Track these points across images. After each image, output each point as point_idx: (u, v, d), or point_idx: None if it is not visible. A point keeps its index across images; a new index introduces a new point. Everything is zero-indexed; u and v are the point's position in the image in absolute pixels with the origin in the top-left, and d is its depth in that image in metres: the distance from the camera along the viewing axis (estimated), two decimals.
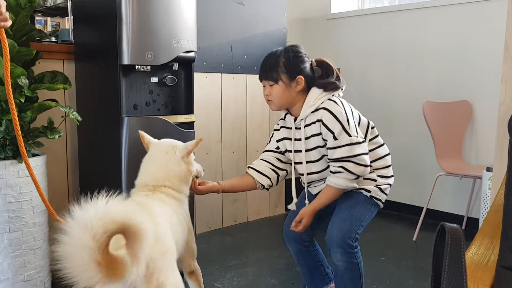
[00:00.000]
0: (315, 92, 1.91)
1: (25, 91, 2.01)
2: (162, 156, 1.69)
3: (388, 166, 2.02)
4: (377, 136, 2.02)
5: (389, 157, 2.03)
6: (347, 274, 1.89)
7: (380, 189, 1.95)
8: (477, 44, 3.32)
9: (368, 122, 1.99)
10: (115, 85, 2.24)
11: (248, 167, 2.09)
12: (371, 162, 1.94)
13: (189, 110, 2.52)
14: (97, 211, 1.04)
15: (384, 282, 2.49)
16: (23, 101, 2.03)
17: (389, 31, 3.81)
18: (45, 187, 2.22)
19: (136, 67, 2.24)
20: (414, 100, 3.59)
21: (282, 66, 1.90)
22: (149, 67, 2.29)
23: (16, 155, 2.07)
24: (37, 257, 2.16)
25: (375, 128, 2.02)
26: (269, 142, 2.13)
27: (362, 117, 1.97)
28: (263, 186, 2.05)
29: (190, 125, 2.51)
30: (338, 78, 1.95)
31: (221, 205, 3.40)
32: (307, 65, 1.93)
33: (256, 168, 2.05)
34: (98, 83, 2.42)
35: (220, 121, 3.31)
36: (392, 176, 2.02)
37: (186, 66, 2.49)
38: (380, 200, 1.96)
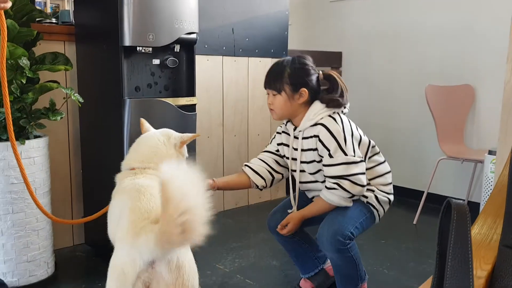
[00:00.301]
0: (316, 106, 1.89)
1: (26, 72, 2.01)
2: (154, 140, 1.65)
3: (389, 184, 2.01)
4: (377, 153, 2.00)
5: (389, 175, 2.01)
6: (343, 266, 1.91)
7: (377, 198, 1.94)
8: (481, 27, 3.29)
9: (369, 141, 1.97)
10: (117, 66, 2.22)
11: (245, 165, 2.08)
12: (371, 179, 1.95)
13: (191, 92, 2.51)
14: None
15: (385, 265, 2.51)
16: (24, 82, 2.02)
17: (392, 13, 3.78)
18: (47, 168, 2.22)
19: (138, 48, 2.22)
20: (417, 83, 3.58)
21: (286, 77, 1.88)
22: (150, 49, 2.27)
23: (18, 137, 2.07)
24: (40, 238, 2.18)
25: (376, 146, 2.00)
26: (270, 143, 2.12)
27: (363, 137, 1.95)
28: (257, 186, 2.04)
29: (192, 107, 2.50)
30: (342, 95, 1.91)
31: None
32: (313, 77, 1.90)
33: (253, 168, 2.04)
34: (99, 65, 2.40)
35: (221, 104, 3.30)
36: (392, 193, 2.01)
37: (188, 48, 2.47)
38: (376, 210, 1.94)
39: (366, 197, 1.92)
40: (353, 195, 1.83)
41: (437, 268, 0.67)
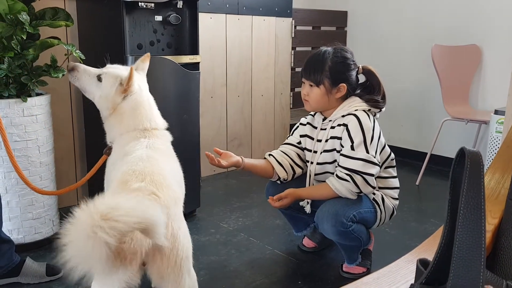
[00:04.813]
0: (355, 99, 1.87)
1: (27, 27, 1.96)
2: None
3: (396, 199, 2.00)
4: (393, 167, 1.99)
5: (397, 192, 2.01)
6: (347, 245, 1.91)
7: (383, 200, 1.92)
8: None
9: (390, 153, 1.96)
10: (118, 23, 2.18)
11: (269, 154, 2.04)
12: (381, 188, 1.95)
13: (194, 50, 2.47)
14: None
15: (387, 224, 2.52)
16: (24, 38, 1.98)
17: None
18: (50, 126, 2.21)
19: (140, 4, 2.18)
20: (423, 43, 3.52)
21: (327, 70, 1.83)
22: (152, 4, 2.22)
23: (20, 94, 2.05)
24: (44, 196, 2.18)
25: (394, 160, 1.99)
26: (291, 134, 2.08)
27: (387, 146, 1.94)
28: (279, 177, 2.01)
29: (195, 66, 2.47)
30: (384, 97, 1.89)
31: (226, 149, 3.40)
32: (353, 73, 1.87)
33: (277, 159, 2.00)
34: (100, 21, 2.36)
35: (225, 64, 3.26)
36: (396, 209, 2.00)
37: (190, 4, 2.42)
38: (380, 210, 1.91)
39: (374, 193, 1.91)
40: (361, 192, 1.80)
41: (448, 216, 0.66)
